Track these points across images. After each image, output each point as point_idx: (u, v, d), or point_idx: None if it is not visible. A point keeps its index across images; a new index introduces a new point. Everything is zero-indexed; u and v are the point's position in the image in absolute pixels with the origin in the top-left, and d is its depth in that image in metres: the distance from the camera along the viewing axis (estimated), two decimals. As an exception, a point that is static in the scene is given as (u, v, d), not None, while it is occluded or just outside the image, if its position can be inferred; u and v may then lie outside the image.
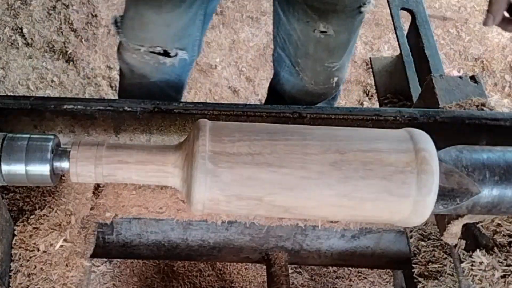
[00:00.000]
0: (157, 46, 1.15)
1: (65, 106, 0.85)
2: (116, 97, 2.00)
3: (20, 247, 0.84)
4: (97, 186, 0.94)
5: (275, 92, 1.43)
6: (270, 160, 0.59)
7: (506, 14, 0.87)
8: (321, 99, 1.33)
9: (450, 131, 0.89)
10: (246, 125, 0.65)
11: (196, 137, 0.60)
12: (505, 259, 0.76)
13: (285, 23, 1.21)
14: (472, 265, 0.76)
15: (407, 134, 0.62)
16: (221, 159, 0.59)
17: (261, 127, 0.64)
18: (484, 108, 0.96)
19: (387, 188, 0.59)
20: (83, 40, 2.18)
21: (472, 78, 1.04)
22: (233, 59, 2.19)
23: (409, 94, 1.27)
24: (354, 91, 2.16)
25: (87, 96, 2.03)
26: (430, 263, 0.92)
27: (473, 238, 0.79)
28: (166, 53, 1.17)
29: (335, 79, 1.28)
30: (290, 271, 1.51)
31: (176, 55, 1.18)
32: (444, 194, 0.62)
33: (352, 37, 1.22)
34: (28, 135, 0.63)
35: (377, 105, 1.63)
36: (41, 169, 0.62)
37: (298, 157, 0.59)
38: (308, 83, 1.28)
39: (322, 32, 1.14)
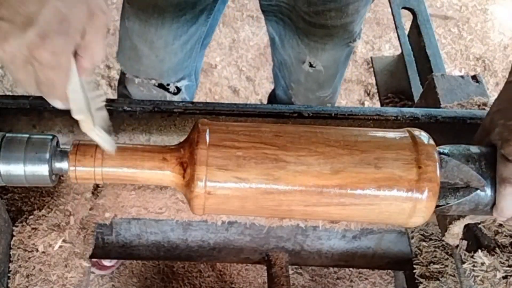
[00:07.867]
0: (152, 78, 1.12)
1: (64, 106, 0.84)
2: (115, 97, 2.00)
3: (18, 248, 0.84)
4: (96, 186, 0.94)
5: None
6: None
7: None
8: None
9: (451, 131, 0.88)
10: (248, 126, 0.64)
11: (196, 138, 0.59)
12: (507, 260, 0.76)
13: (279, 47, 1.21)
14: (473, 266, 0.76)
15: (408, 134, 0.62)
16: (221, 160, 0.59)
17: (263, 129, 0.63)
18: (486, 108, 0.95)
19: (386, 188, 0.59)
20: (82, 39, 2.17)
21: (474, 77, 1.04)
22: (233, 59, 2.19)
23: (410, 93, 1.27)
24: (355, 90, 2.15)
25: (86, 95, 2.02)
26: (431, 264, 0.91)
27: (475, 238, 0.78)
28: (162, 86, 1.14)
29: (328, 105, 1.29)
30: (290, 272, 1.50)
31: (179, 91, 1.15)
32: (445, 188, 0.61)
33: (341, 68, 1.23)
34: (27, 135, 0.63)
35: (378, 105, 1.63)
36: (40, 170, 0.62)
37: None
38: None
39: (311, 66, 1.15)
